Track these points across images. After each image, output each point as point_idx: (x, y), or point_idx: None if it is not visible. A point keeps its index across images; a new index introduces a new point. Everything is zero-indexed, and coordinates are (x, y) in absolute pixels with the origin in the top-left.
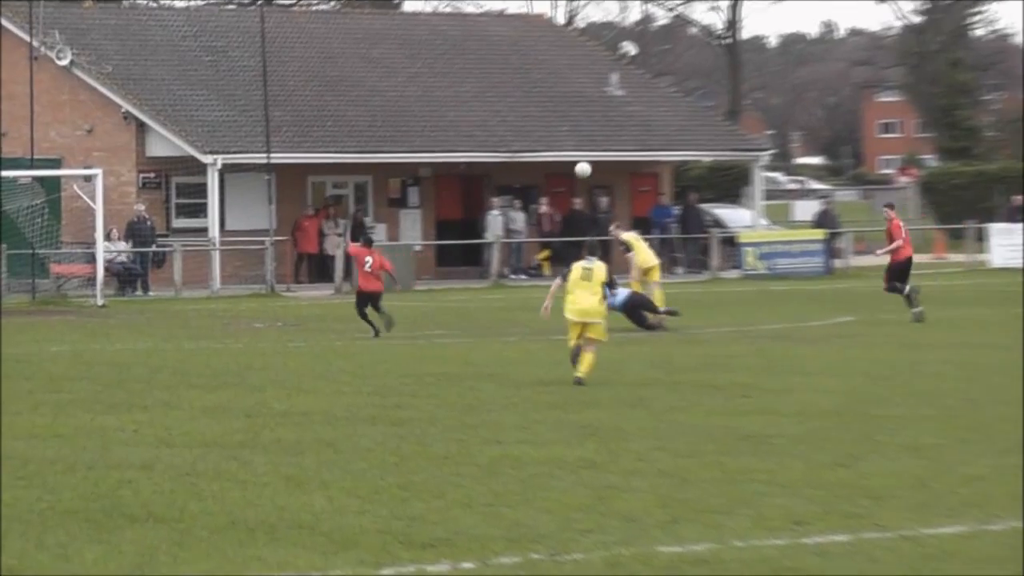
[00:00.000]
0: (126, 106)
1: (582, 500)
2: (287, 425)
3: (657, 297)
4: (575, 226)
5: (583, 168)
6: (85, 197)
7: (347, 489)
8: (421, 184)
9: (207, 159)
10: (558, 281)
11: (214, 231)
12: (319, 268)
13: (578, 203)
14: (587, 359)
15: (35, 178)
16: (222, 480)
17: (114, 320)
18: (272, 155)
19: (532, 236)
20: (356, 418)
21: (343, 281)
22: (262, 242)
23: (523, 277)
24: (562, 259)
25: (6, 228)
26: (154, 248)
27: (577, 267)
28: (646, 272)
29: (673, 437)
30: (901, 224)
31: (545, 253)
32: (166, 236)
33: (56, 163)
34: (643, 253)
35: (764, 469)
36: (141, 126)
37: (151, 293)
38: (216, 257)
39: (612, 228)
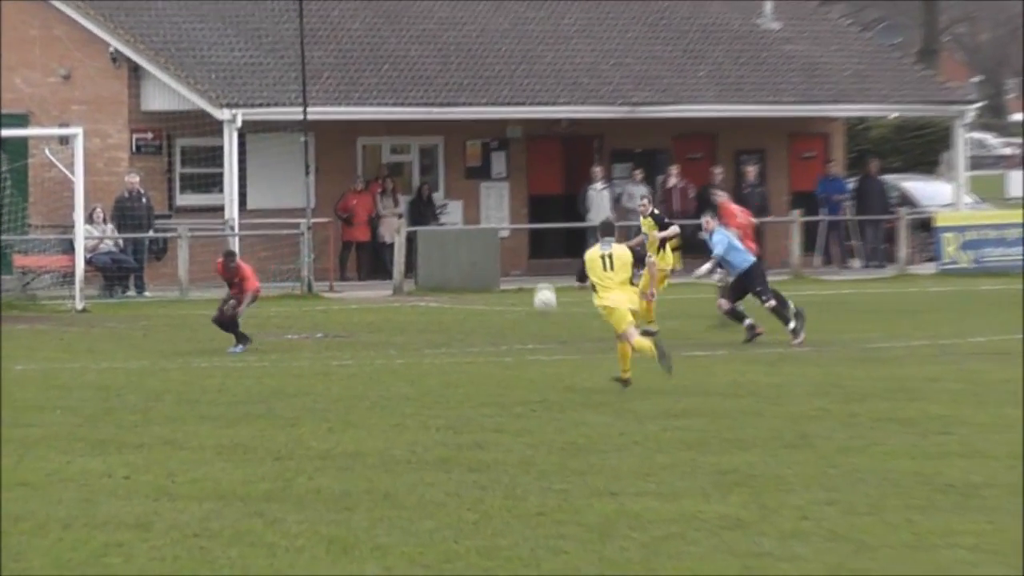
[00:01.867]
0: (115, 44)
1: (725, 571)
2: (329, 471)
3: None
4: (714, 205)
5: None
6: (60, 165)
7: (409, 556)
8: (509, 148)
9: (223, 114)
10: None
11: (232, 211)
12: (372, 260)
13: (719, 174)
14: (626, 350)
15: None
16: (242, 544)
17: (99, 329)
18: (310, 109)
19: None
20: (422, 461)
21: (405, 277)
22: (296, 225)
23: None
24: (696, 248)
25: None
26: (151, 234)
27: (592, 256)
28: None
29: (847, 487)
30: None
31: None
32: (168, 218)
33: (22, 120)
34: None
35: (969, 531)
36: (135, 70)
37: (148, 294)
38: (236, 245)
39: (642, 201)
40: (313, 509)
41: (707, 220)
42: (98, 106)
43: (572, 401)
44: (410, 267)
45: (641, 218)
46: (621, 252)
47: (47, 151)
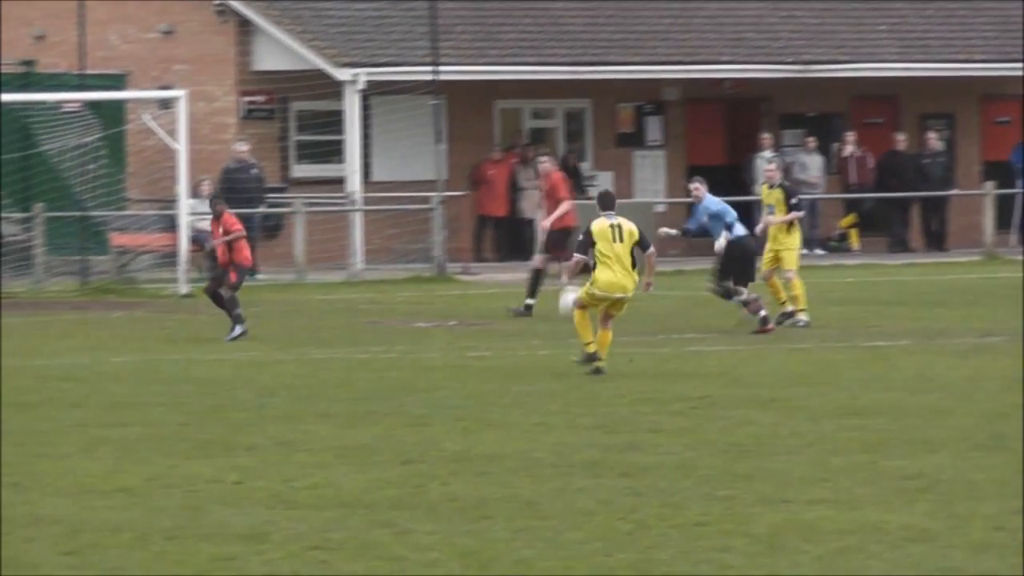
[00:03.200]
0: None
1: None
2: (465, 475)
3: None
4: (896, 176)
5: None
6: (161, 132)
7: (556, 571)
8: (666, 112)
9: (344, 75)
10: (576, 257)
11: (355, 183)
12: (511, 238)
13: (901, 141)
14: (607, 338)
15: (86, 104)
16: (367, 557)
17: (205, 317)
18: (441, 69)
19: (832, 191)
20: (569, 465)
21: (548, 258)
22: (426, 200)
23: (820, 252)
24: (875, 225)
25: (44, 179)
26: (263, 209)
27: (601, 226)
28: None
29: None
30: None
31: (850, 218)
32: (282, 191)
33: (117, 81)
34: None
35: None
36: (245, 25)
37: (260, 276)
38: (358, 222)
39: (771, 168)
40: (446, 518)
41: (696, 187)
42: (203, 66)
43: (737, 397)
44: (557, 246)
45: (765, 188)
46: (628, 224)
47: (146, 117)
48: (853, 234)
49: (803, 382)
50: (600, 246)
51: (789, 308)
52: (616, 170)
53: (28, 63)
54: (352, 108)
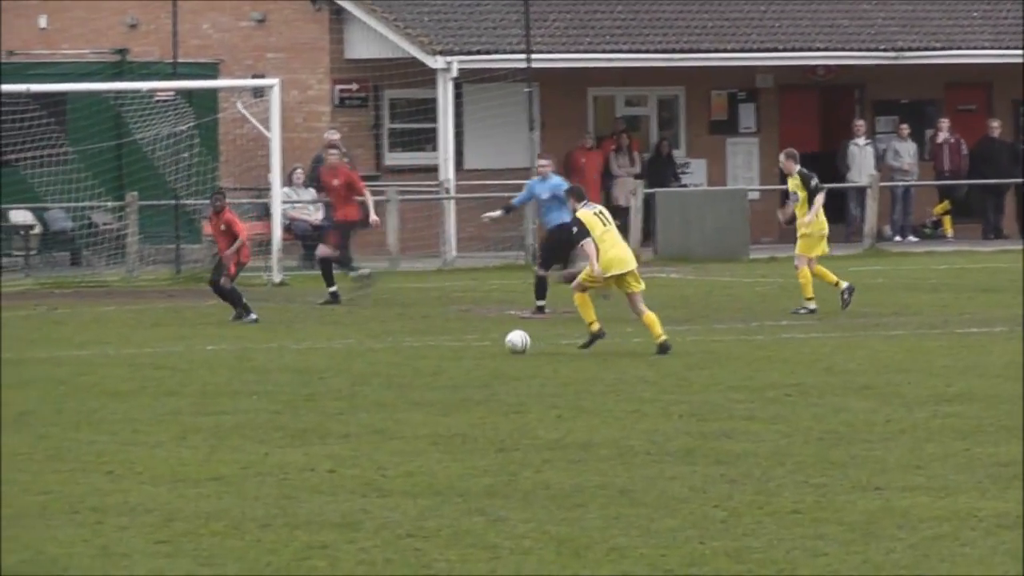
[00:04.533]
0: None
1: None
2: (559, 463)
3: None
4: (990, 162)
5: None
6: (254, 120)
7: (649, 559)
8: (759, 99)
9: (437, 62)
10: (588, 241)
11: (447, 171)
12: None
13: (995, 127)
14: (653, 318)
15: (179, 92)
16: (461, 545)
17: (299, 305)
18: (534, 56)
19: (926, 178)
20: (662, 452)
21: (642, 245)
22: (519, 187)
23: (913, 239)
24: (968, 212)
25: (137, 168)
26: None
27: (588, 216)
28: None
29: None
30: None
31: (943, 205)
32: (375, 179)
33: (210, 69)
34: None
35: None
36: (338, 13)
37: (355, 265)
38: (451, 210)
39: (784, 159)
40: (541, 506)
41: (545, 163)
42: (296, 54)
43: (831, 385)
44: (648, 234)
45: (789, 178)
46: (603, 209)
47: (239, 105)
48: (947, 221)
49: (897, 369)
50: (595, 233)
51: (844, 285)
52: (709, 157)
53: (121, 52)
54: (445, 96)
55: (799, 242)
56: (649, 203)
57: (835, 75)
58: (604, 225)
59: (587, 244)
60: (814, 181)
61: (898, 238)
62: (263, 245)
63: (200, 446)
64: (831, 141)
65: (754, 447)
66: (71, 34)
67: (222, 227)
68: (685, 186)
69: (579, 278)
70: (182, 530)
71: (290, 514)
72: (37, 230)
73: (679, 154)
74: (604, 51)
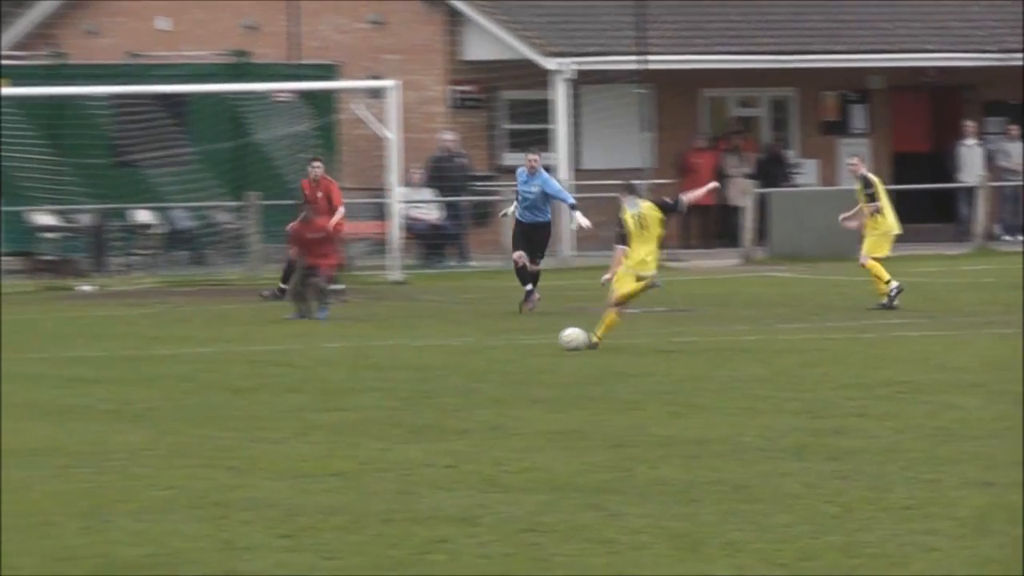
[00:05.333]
0: None
1: None
2: (673, 459)
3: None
4: None
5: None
6: (372, 121)
7: (763, 553)
8: (870, 100)
9: (551, 64)
10: (620, 248)
11: (564, 170)
12: (718, 225)
13: None
14: (612, 319)
15: (299, 94)
16: (578, 540)
17: (418, 304)
18: (648, 58)
19: None
20: (776, 449)
21: (754, 245)
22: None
23: (1022, 238)
24: None
25: (259, 168)
26: (470, 197)
27: (628, 217)
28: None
29: None
30: None
31: None
32: (491, 179)
33: (330, 71)
34: (889, 213)
35: None
36: (454, 16)
37: (472, 263)
38: (566, 210)
39: (854, 161)
40: (656, 501)
41: (532, 158)
42: (413, 56)
43: (942, 382)
44: (761, 233)
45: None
46: (648, 208)
47: (357, 107)
48: None
49: (1006, 367)
50: (631, 233)
51: (894, 284)
52: (821, 158)
53: (241, 53)
54: (561, 97)
55: (866, 241)
56: (762, 203)
57: (945, 76)
58: (641, 231)
59: (617, 251)
60: (871, 189)
61: (1007, 237)
62: (382, 244)
63: (321, 442)
64: (942, 142)
65: (866, 443)
66: (192, 36)
67: (319, 194)
68: (797, 186)
69: (613, 297)
70: (304, 524)
71: (410, 509)
72: (160, 229)
73: (791, 154)
74: (717, 53)
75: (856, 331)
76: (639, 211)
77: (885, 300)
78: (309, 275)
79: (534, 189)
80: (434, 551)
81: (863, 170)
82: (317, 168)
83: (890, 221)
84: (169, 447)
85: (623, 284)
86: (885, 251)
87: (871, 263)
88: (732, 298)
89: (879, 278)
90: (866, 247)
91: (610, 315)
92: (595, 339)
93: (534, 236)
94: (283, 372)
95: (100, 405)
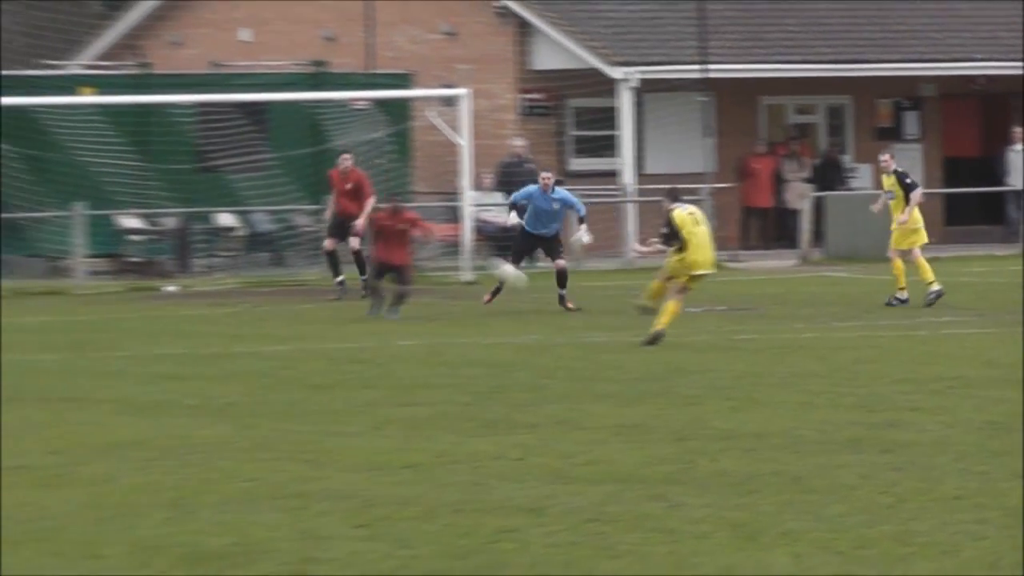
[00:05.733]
0: None
1: None
2: (733, 452)
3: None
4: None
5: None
6: (445, 128)
7: (820, 542)
8: (922, 107)
9: (617, 73)
10: (657, 247)
11: (628, 176)
12: (776, 227)
13: None
14: (674, 309)
15: (374, 102)
16: (642, 529)
17: (488, 303)
18: (710, 67)
19: None
20: (832, 441)
21: (811, 246)
22: (696, 191)
23: None
24: None
25: None
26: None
27: (682, 215)
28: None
29: None
30: None
31: None
32: (559, 184)
33: (404, 80)
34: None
35: None
36: (523, 27)
37: (540, 264)
38: (631, 212)
39: (886, 157)
40: (716, 492)
41: (547, 176)
42: (484, 65)
43: (991, 377)
44: (818, 235)
45: (884, 176)
46: (698, 211)
47: (430, 114)
48: None
49: None
50: (686, 231)
51: (936, 287)
52: (875, 163)
53: (319, 63)
54: (626, 105)
55: (893, 236)
56: (819, 206)
57: (994, 84)
58: (697, 227)
59: (656, 245)
60: (908, 179)
61: None
62: (454, 246)
63: (395, 436)
64: (991, 147)
65: (919, 436)
66: (273, 47)
67: (348, 186)
68: (852, 190)
69: (666, 273)
70: (380, 515)
71: (481, 499)
72: (241, 232)
73: (847, 159)
74: (776, 62)
75: (908, 328)
76: (691, 209)
77: (891, 299)
78: (385, 271)
79: (555, 206)
80: (503, 540)
81: (895, 165)
82: (347, 161)
83: (916, 216)
84: (250, 441)
85: (680, 277)
86: (910, 244)
87: (898, 262)
88: (790, 297)
89: (897, 279)
90: (895, 242)
91: (671, 305)
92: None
93: (545, 244)
94: (359, 369)
95: (184, 401)
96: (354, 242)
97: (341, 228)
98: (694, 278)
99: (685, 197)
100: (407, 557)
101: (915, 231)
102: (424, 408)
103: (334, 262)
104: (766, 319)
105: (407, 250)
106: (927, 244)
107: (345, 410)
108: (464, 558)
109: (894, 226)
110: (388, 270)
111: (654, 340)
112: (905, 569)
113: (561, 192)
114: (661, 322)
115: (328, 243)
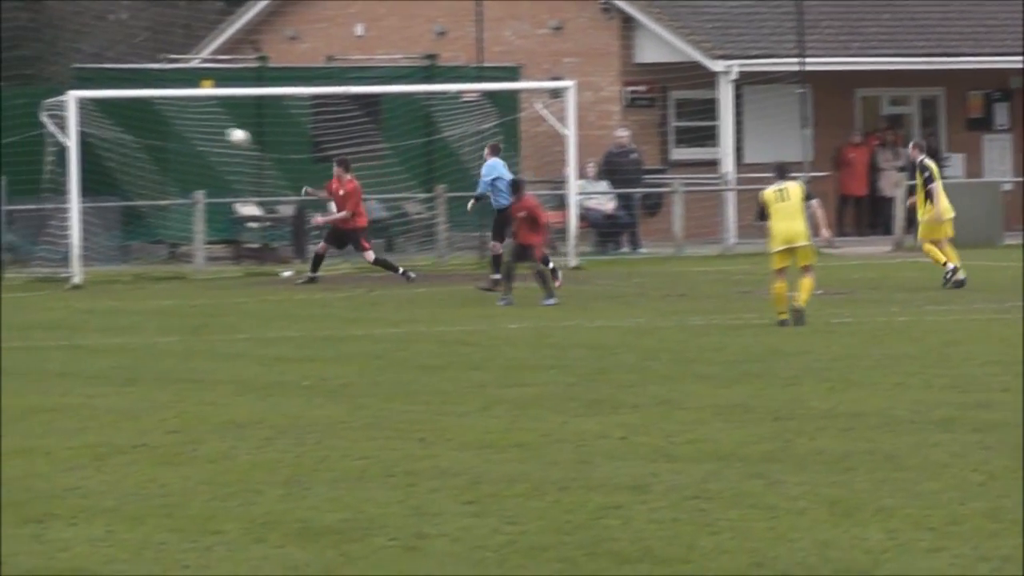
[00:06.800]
0: None
1: None
2: (830, 431)
3: (950, 255)
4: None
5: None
6: (552, 119)
7: (913, 518)
8: (1012, 99)
9: (717, 66)
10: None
11: (728, 165)
12: (871, 215)
13: None
14: (806, 284)
15: (484, 94)
16: (742, 506)
17: (592, 287)
18: (807, 60)
19: None
20: (925, 421)
21: (905, 233)
22: (793, 180)
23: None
24: None
25: (446, 162)
26: (643, 189)
27: (768, 191)
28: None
29: None
30: None
31: None
32: (662, 172)
33: (513, 73)
34: (944, 197)
35: None
36: (627, 21)
37: (643, 250)
38: (731, 201)
39: (911, 147)
40: (814, 470)
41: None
42: (589, 58)
43: None
44: (911, 221)
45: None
46: (793, 186)
47: (538, 105)
48: None
49: None
50: (770, 207)
51: (950, 266)
52: (967, 152)
53: (431, 57)
54: (726, 96)
55: (920, 228)
56: (911, 194)
57: None
58: (779, 203)
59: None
60: (927, 172)
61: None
62: (560, 233)
63: (503, 415)
64: None
65: (1009, 416)
66: (386, 41)
67: (342, 192)
68: (945, 178)
69: (772, 263)
70: (488, 492)
71: (586, 477)
72: None
73: (941, 149)
74: (871, 55)
75: (999, 312)
76: (783, 186)
77: (952, 266)
78: (521, 256)
79: (488, 178)
80: (608, 516)
81: (920, 155)
82: (339, 169)
83: (942, 206)
84: (363, 420)
85: (773, 260)
86: (940, 234)
87: (927, 247)
88: (884, 282)
89: (936, 260)
90: (921, 232)
91: (777, 288)
92: (799, 304)
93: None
94: (469, 351)
95: (300, 382)
96: (368, 255)
97: (337, 234)
98: (782, 255)
99: (791, 174)
100: (515, 533)
101: (940, 223)
102: (531, 389)
103: (387, 263)
104: (861, 303)
105: (537, 233)
106: (1020, 229)
107: (455, 391)
108: (570, 534)
109: (924, 217)
110: (521, 253)
111: (797, 319)
112: (996, 545)
113: (490, 162)
114: (800, 299)
115: (320, 247)
